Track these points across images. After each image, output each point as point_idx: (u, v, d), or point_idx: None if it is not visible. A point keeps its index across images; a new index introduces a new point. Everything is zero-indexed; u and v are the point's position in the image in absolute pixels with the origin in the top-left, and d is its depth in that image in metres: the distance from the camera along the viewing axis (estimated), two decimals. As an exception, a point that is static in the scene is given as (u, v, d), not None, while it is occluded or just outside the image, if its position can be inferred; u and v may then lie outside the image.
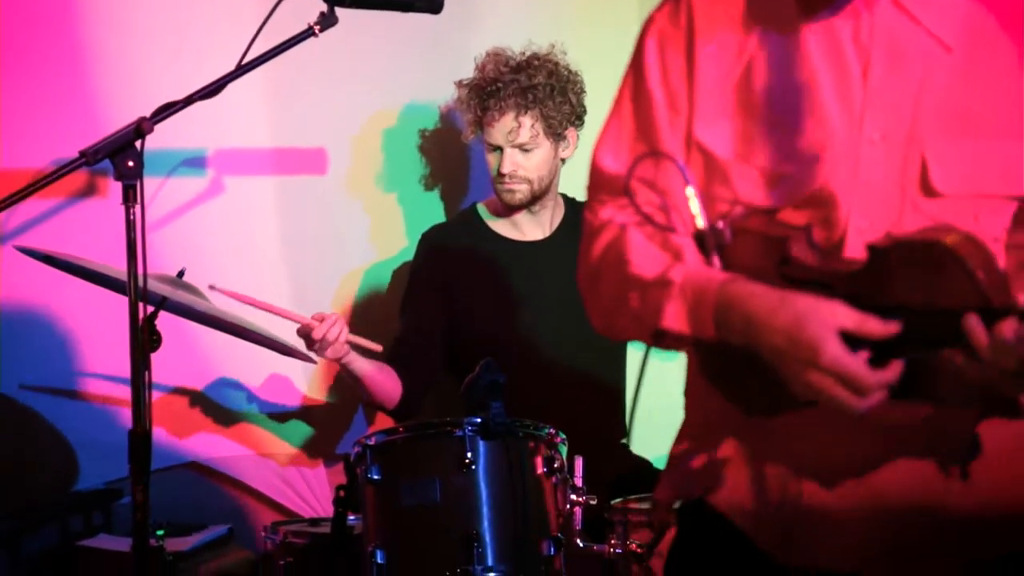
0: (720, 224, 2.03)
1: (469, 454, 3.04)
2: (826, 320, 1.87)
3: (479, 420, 3.06)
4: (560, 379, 3.93)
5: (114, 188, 3.66)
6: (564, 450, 3.17)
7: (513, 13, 4.36)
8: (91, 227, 3.95)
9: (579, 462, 3.22)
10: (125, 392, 2.93)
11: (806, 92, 2.06)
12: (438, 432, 3.12)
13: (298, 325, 3.69)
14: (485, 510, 3.04)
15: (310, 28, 3.03)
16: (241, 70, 2.94)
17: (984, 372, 1.79)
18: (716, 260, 2.01)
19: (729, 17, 2.13)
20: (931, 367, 1.86)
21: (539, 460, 3.11)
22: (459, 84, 4.01)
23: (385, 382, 3.89)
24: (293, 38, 3.02)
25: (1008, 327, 1.76)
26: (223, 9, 4.04)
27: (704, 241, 2.03)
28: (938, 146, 2.02)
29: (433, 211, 4.36)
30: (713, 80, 2.12)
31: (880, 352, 1.86)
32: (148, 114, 2.84)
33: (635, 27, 2.25)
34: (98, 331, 3.95)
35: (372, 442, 3.13)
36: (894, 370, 1.84)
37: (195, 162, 4.09)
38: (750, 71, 2.10)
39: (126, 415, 3.82)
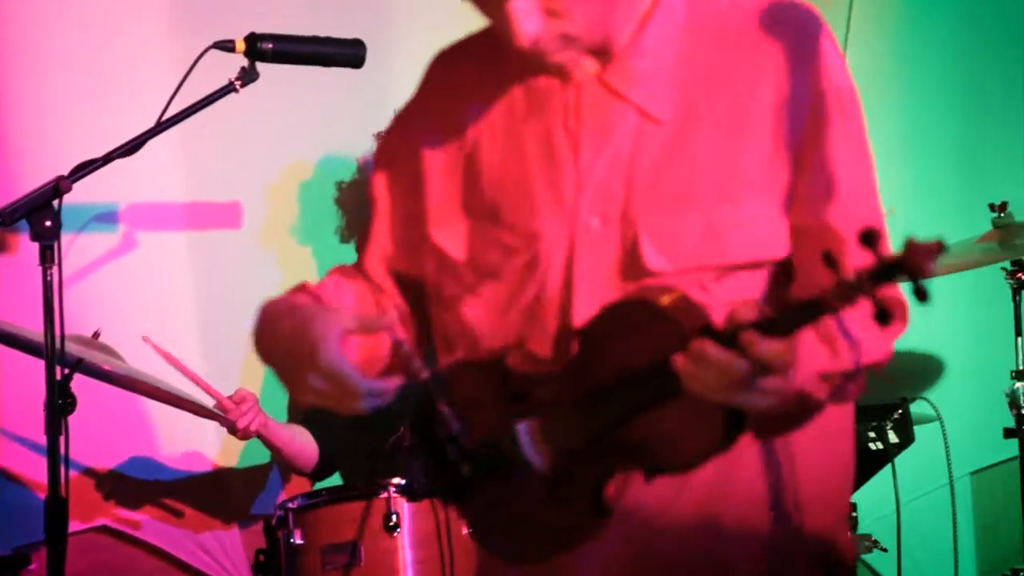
0: (439, 372, 2.03)
1: (394, 516, 2.99)
2: (329, 322, 1.92)
3: (404, 481, 3.02)
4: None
5: (24, 245, 3.59)
6: (489, 510, 3.13)
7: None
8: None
9: (504, 522, 3.18)
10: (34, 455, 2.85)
11: (522, 184, 2.01)
12: (362, 495, 3.07)
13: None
14: (410, 573, 3.00)
15: (231, 84, 2.99)
16: (161, 127, 2.90)
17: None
18: (446, 409, 1.99)
19: (455, 114, 2.09)
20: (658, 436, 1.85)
21: (465, 521, 3.07)
22: (377, 136, 3.99)
23: (301, 448, 3.85)
24: (214, 94, 2.98)
25: (706, 345, 1.73)
26: (141, 63, 3.98)
27: (431, 391, 2.02)
28: (651, 223, 1.94)
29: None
30: (442, 181, 2.09)
31: (613, 421, 1.86)
32: (64, 171, 2.79)
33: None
34: (4, 392, 3.85)
35: (294, 505, 3.08)
36: (395, 383, 1.91)
37: (107, 217, 4.01)
38: (473, 168, 2.06)
39: (35, 478, 3.76)
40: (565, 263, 1.97)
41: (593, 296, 1.93)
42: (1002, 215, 3.93)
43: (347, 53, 3.17)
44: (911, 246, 1.65)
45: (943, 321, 4.76)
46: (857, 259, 1.88)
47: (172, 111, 2.95)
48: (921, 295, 1.65)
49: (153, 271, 4.08)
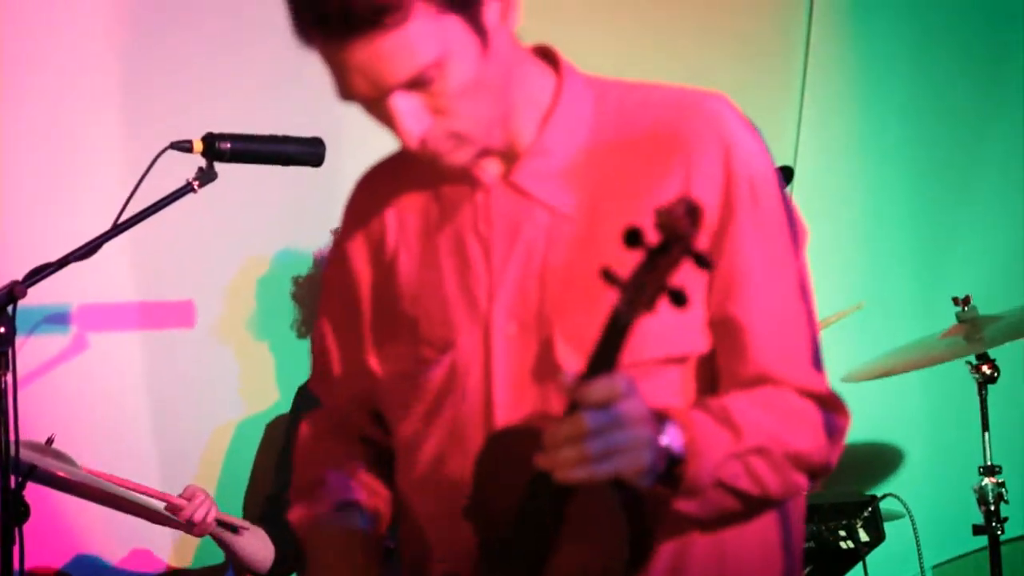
0: None
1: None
2: None
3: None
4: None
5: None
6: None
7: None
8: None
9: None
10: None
11: (437, 294, 1.98)
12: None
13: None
14: None
15: (189, 184, 2.95)
16: (118, 229, 2.86)
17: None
18: None
19: (378, 232, 2.07)
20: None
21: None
22: (335, 232, 3.94)
23: (257, 548, 3.77)
24: (171, 195, 2.94)
25: (549, 427, 1.70)
26: (96, 164, 3.95)
27: None
28: (566, 321, 1.90)
29: (306, 361, 4.26)
30: (370, 301, 2.07)
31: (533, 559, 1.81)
32: (18, 275, 2.75)
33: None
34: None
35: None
36: None
37: (58, 318, 3.95)
38: (394, 284, 2.03)
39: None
40: (483, 371, 1.93)
41: (514, 401, 1.90)
42: (966, 309, 3.92)
43: (306, 152, 3.12)
44: (657, 214, 1.65)
45: (908, 416, 4.75)
46: (763, 360, 1.89)
47: (128, 212, 2.90)
48: (702, 262, 1.66)
49: (106, 372, 4.02)
